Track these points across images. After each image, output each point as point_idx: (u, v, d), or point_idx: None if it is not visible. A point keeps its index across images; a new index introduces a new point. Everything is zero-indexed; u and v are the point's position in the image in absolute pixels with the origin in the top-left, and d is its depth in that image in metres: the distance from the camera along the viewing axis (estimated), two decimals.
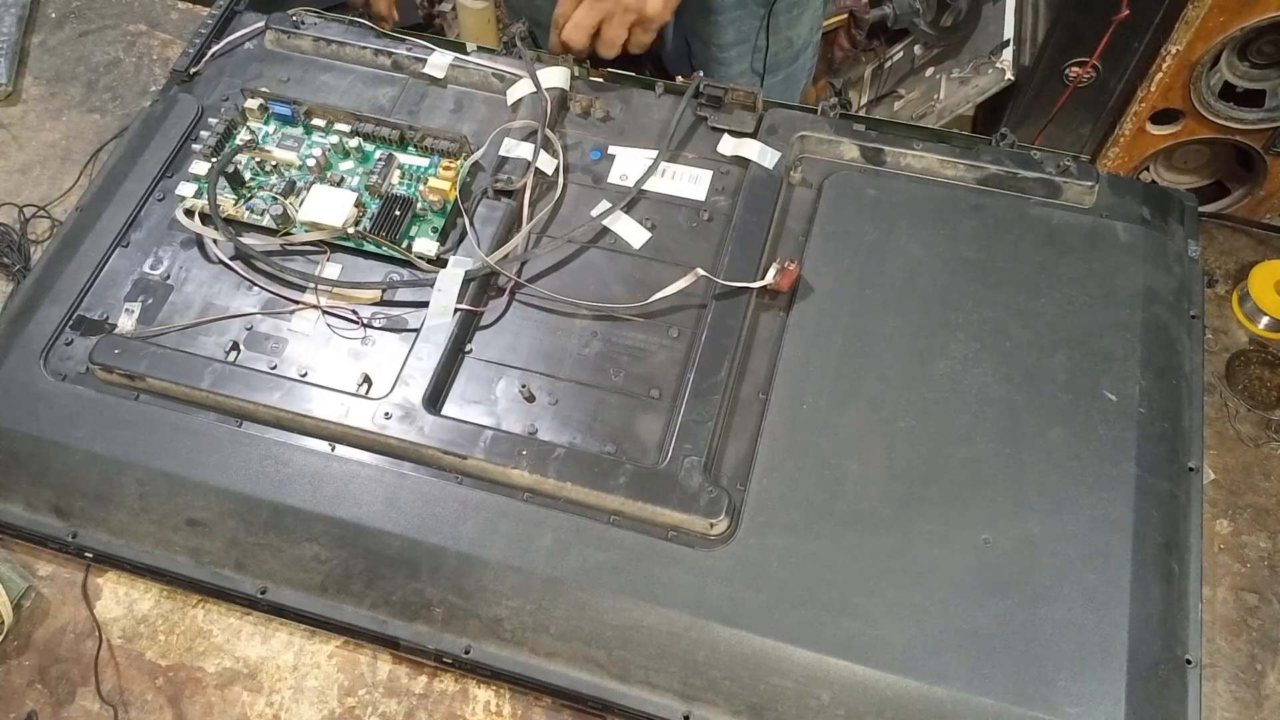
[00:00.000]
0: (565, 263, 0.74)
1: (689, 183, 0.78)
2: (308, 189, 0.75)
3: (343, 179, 0.76)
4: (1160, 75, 1.13)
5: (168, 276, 0.74)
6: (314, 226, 0.74)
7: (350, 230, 0.73)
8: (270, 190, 0.76)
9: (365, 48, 0.85)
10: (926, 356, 0.69)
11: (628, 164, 0.79)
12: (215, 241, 0.74)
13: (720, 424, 0.66)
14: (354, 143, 0.78)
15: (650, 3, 0.79)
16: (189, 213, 0.75)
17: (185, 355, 0.69)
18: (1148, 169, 1.29)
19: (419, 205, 0.75)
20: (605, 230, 0.75)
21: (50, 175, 0.88)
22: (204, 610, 0.68)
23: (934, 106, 1.49)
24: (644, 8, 0.79)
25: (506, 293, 0.73)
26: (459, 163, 0.76)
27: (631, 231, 0.75)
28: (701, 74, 0.81)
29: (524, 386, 0.69)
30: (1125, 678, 0.58)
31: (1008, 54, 1.40)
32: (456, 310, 0.70)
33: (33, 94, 0.94)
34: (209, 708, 0.65)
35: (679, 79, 0.84)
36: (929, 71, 1.55)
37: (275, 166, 0.77)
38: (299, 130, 0.79)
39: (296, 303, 0.72)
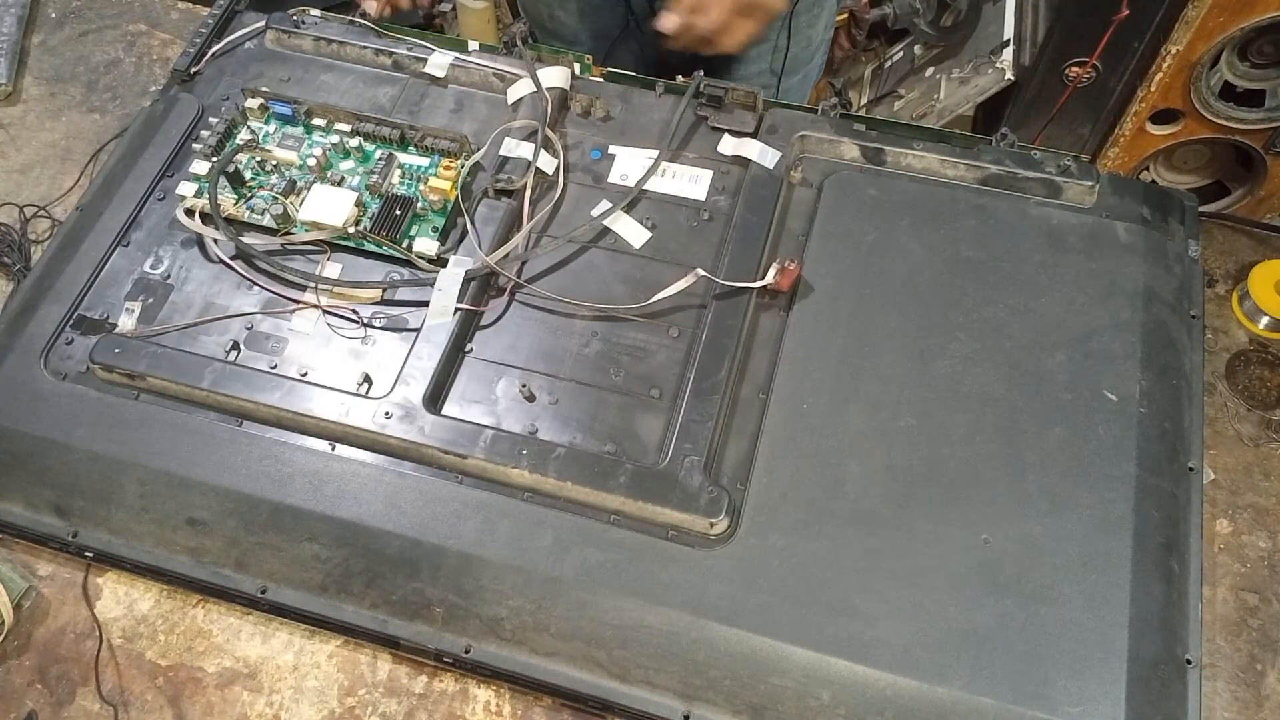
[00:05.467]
0: (565, 262, 0.74)
1: (689, 182, 0.78)
2: (308, 188, 0.75)
3: (343, 178, 0.76)
4: (1160, 75, 1.13)
5: (168, 276, 0.74)
6: (314, 226, 0.74)
7: (351, 230, 0.73)
8: (271, 190, 0.76)
9: (366, 47, 0.85)
10: (926, 356, 0.69)
11: (628, 164, 0.79)
12: (216, 241, 0.74)
13: (720, 424, 0.66)
14: (354, 142, 0.78)
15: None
16: (189, 212, 0.75)
17: (185, 355, 0.69)
18: (1148, 169, 1.29)
19: (419, 205, 0.75)
20: (606, 230, 0.75)
21: (50, 175, 0.88)
22: (204, 610, 0.68)
23: (934, 106, 1.49)
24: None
25: (507, 292, 0.73)
26: (459, 162, 0.76)
27: (632, 231, 0.75)
28: (702, 73, 0.81)
29: (524, 386, 0.69)
30: (1125, 678, 0.58)
31: (1008, 54, 1.40)
32: (457, 310, 0.70)
33: (33, 94, 0.94)
34: (209, 708, 0.65)
35: (679, 78, 0.84)
36: (929, 71, 1.55)
37: (276, 166, 0.77)
38: (299, 130, 0.79)
39: (297, 302, 0.72)
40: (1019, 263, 0.72)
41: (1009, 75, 1.39)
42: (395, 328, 0.71)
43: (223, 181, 0.75)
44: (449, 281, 0.71)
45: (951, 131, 0.80)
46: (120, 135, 0.87)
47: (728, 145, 0.79)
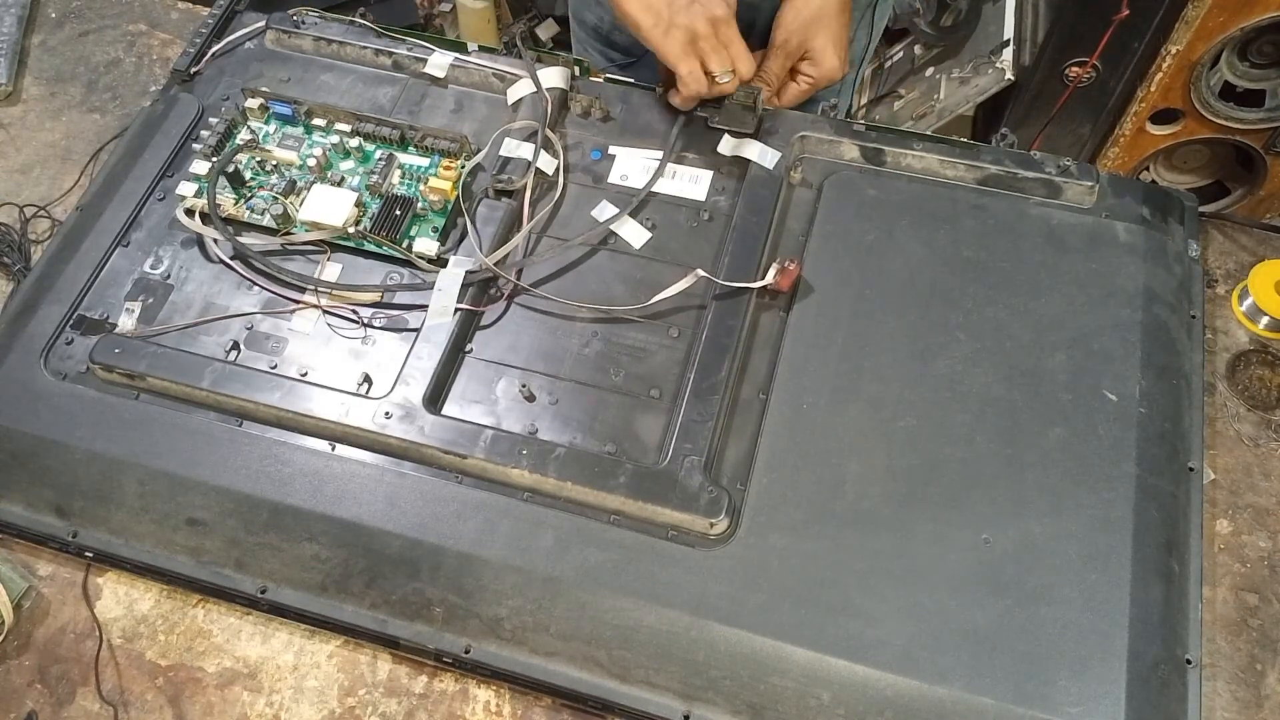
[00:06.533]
0: (566, 263, 0.74)
1: (689, 183, 0.78)
2: (308, 189, 0.75)
3: (343, 179, 0.76)
4: (1160, 75, 1.13)
5: (168, 276, 0.74)
6: (314, 226, 0.74)
7: (351, 230, 0.73)
8: (271, 190, 0.76)
9: (366, 47, 0.85)
10: (926, 356, 0.69)
11: (628, 164, 0.79)
12: (215, 241, 0.74)
13: (720, 424, 0.66)
14: (354, 142, 0.78)
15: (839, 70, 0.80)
16: (189, 212, 0.75)
17: (185, 355, 0.69)
18: (1148, 169, 1.30)
19: (419, 205, 0.75)
20: (606, 230, 0.75)
21: (50, 175, 0.88)
22: (204, 610, 0.68)
23: (934, 106, 1.49)
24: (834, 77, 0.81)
25: (507, 293, 0.73)
26: (459, 162, 0.76)
27: (632, 232, 0.75)
28: None
29: (524, 386, 0.69)
30: (1125, 678, 0.58)
31: (1008, 54, 1.40)
32: (457, 310, 0.70)
33: (33, 94, 0.94)
34: (209, 708, 0.65)
35: None
36: (929, 71, 1.55)
37: (276, 166, 0.77)
38: (299, 130, 0.79)
39: (297, 302, 0.72)
40: (1019, 263, 0.72)
41: (1009, 75, 1.39)
42: (395, 328, 0.71)
43: (223, 181, 0.75)
44: (449, 282, 0.71)
45: (950, 138, 0.80)
46: (120, 135, 0.87)
47: (727, 146, 0.79)
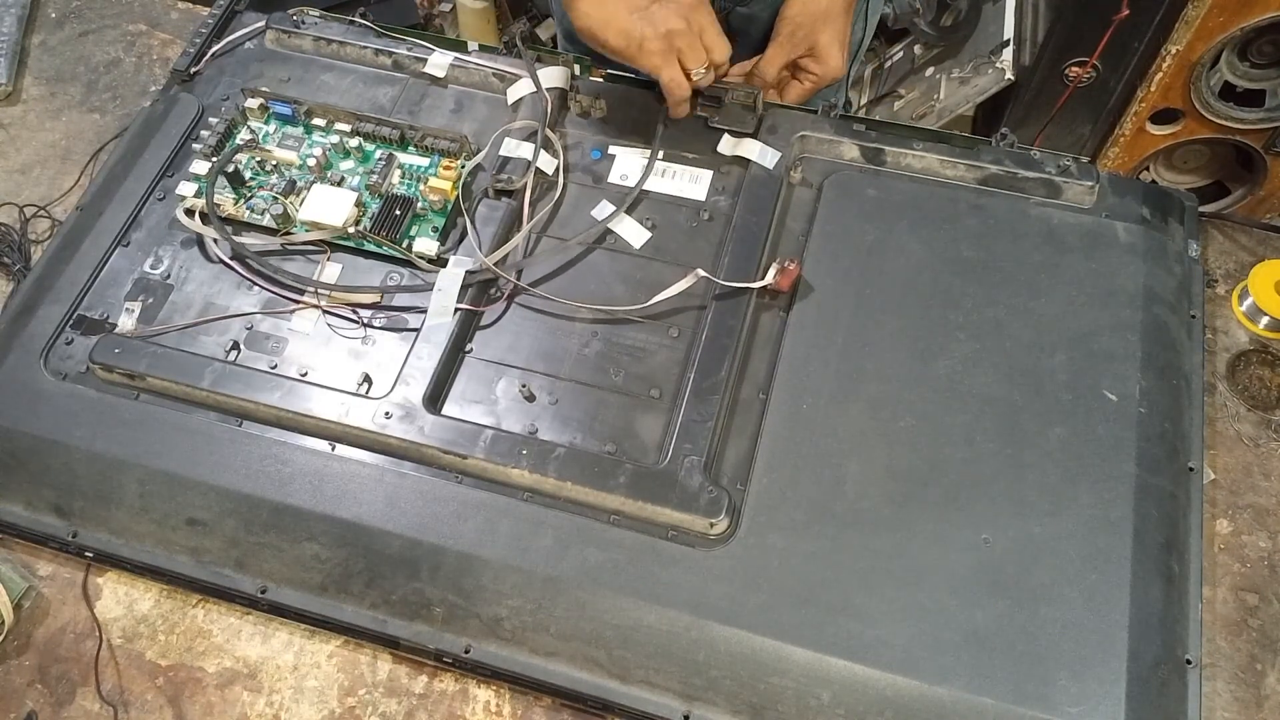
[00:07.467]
0: (566, 263, 0.74)
1: (689, 183, 0.78)
2: (308, 188, 0.75)
3: (343, 178, 0.76)
4: (1160, 75, 1.13)
5: (168, 276, 0.74)
6: (314, 226, 0.74)
7: (351, 230, 0.73)
8: (270, 190, 0.76)
9: (366, 47, 0.85)
10: (926, 356, 0.69)
11: (628, 164, 0.79)
12: (215, 241, 0.74)
13: (720, 424, 0.66)
14: (354, 142, 0.78)
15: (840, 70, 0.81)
16: (189, 212, 0.75)
17: (185, 355, 0.69)
18: (1148, 169, 1.30)
19: (419, 205, 0.75)
20: (606, 230, 0.75)
21: (50, 175, 0.88)
22: (204, 610, 0.68)
23: (934, 106, 1.49)
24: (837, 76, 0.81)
25: (507, 293, 0.73)
26: (459, 162, 0.76)
27: (632, 231, 0.75)
28: None
29: (524, 386, 0.69)
30: (1125, 678, 0.58)
31: (1008, 54, 1.40)
32: (457, 310, 0.70)
33: (33, 94, 0.94)
34: (209, 708, 0.65)
35: None
36: (929, 71, 1.55)
37: (275, 166, 0.77)
38: (299, 130, 0.79)
39: (297, 302, 0.72)
40: (1019, 263, 0.72)
41: (1009, 75, 1.39)
42: (395, 328, 0.71)
43: (223, 181, 0.75)
44: (449, 281, 0.71)
45: (951, 133, 0.80)
46: (120, 135, 0.87)
47: (727, 145, 0.79)
